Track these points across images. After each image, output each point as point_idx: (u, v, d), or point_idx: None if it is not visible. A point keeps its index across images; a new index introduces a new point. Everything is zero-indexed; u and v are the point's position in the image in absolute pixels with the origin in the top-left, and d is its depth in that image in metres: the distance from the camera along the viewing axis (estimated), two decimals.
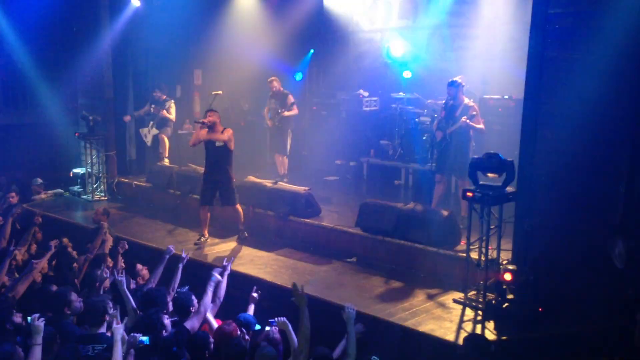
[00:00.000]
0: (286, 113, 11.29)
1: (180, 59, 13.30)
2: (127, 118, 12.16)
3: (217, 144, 8.84)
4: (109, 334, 5.14)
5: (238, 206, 9.10)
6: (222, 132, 8.86)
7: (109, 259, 7.07)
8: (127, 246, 7.30)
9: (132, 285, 6.60)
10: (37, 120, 13.77)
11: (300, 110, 12.12)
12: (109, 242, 7.81)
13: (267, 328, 5.46)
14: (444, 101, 9.07)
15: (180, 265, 6.67)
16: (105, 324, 5.41)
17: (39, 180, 12.16)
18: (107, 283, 6.41)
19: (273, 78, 11.58)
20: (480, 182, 6.92)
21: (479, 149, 8.86)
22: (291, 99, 11.45)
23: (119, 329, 4.71)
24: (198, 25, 12.79)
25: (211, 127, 8.84)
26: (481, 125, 8.69)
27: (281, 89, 11.50)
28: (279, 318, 5.33)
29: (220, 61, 13.05)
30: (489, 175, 6.97)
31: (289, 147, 11.52)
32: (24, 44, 13.17)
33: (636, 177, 6.18)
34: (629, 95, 6.12)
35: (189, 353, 5.02)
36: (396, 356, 6.15)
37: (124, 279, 5.94)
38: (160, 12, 12.51)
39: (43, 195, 12.05)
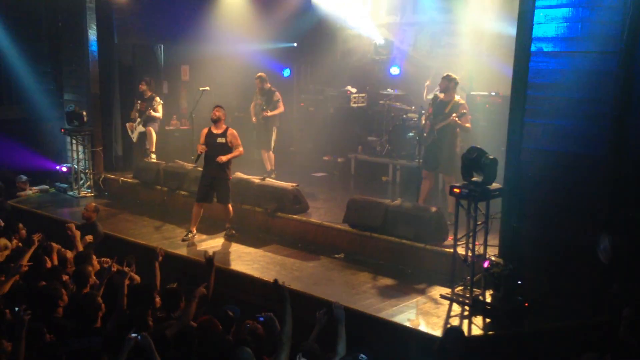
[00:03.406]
0: (269, 113, 11.26)
1: (168, 55, 13.23)
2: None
3: (219, 140, 8.81)
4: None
5: (229, 205, 9.08)
6: (225, 131, 8.85)
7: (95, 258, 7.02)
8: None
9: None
10: (22, 115, 13.64)
11: (287, 106, 12.10)
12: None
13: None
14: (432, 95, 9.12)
15: (156, 263, 6.66)
16: (99, 319, 5.40)
17: (24, 177, 12.05)
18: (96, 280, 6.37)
19: (260, 74, 11.56)
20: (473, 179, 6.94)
21: (466, 146, 8.89)
22: (277, 96, 11.44)
23: (130, 340, 4.66)
24: (185, 21, 12.73)
25: (216, 122, 8.83)
26: (468, 125, 8.72)
27: (268, 85, 11.50)
28: (266, 313, 5.33)
29: (208, 57, 13.00)
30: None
31: (273, 143, 11.51)
32: (9, 38, 13.03)
33: (621, 175, 6.23)
34: (614, 92, 6.17)
35: (172, 349, 5.01)
36: (384, 352, 6.17)
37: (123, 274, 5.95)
38: (147, 7, 12.44)
39: (29, 192, 11.95)
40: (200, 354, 4.93)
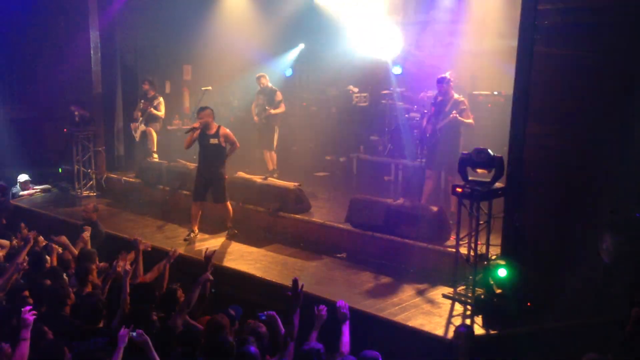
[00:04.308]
0: (272, 111, 11.32)
1: (170, 54, 13.24)
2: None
3: (212, 140, 8.79)
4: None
5: (228, 204, 9.08)
6: (217, 128, 8.80)
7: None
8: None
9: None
10: (24, 115, 13.66)
11: (289, 105, 12.10)
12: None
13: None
14: (433, 95, 9.13)
15: (167, 264, 6.67)
16: (102, 321, 5.41)
17: (26, 177, 12.06)
18: (95, 279, 6.39)
19: (261, 74, 11.58)
20: (470, 178, 6.95)
21: (469, 145, 8.89)
22: (279, 96, 11.46)
23: (124, 337, 4.67)
24: (187, 20, 12.73)
25: (204, 128, 8.77)
26: (470, 120, 8.73)
27: (269, 85, 11.51)
28: (268, 312, 5.34)
29: (210, 56, 13.01)
30: (478, 171, 7.01)
31: (275, 142, 11.53)
32: (12, 38, 13.05)
33: (624, 174, 6.23)
34: (616, 92, 6.16)
35: (180, 347, 5.02)
36: (386, 351, 6.16)
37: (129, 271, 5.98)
38: (149, 7, 12.44)
39: (31, 191, 11.96)
40: (205, 352, 4.94)
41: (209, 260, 6.39)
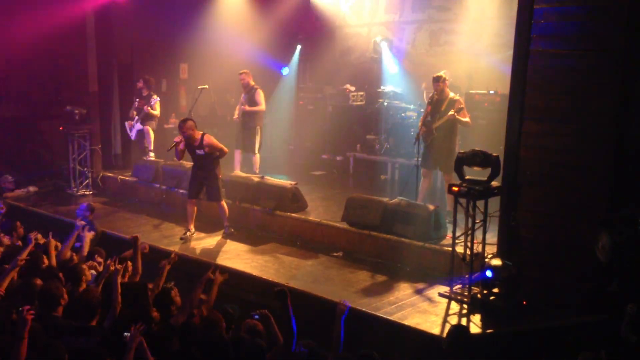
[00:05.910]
0: (247, 108, 10.83)
1: (166, 53, 13.21)
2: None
3: (198, 152, 8.80)
4: None
5: (223, 202, 9.07)
6: (201, 139, 8.74)
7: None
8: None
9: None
10: (20, 114, 13.61)
11: (286, 104, 12.01)
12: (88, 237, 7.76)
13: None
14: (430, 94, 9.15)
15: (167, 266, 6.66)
16: (97, 317, 5.40)
17: (9, 177, 11.96)
18: (89, 277, 6.37)
19: (244, 71, 11.04)
20: (466, 177, 6.96)
21: (465, 144, 8.93)
22: (259, 94, 10.91)
23: (133, 339, 4.66)
24: (184, 19, 12.71)
25: (188, 140, 8.75)
26: (467, 119, 8.75)
27: (251, 83, 10.99)
28: (261, 311, 5.35)
29: (207, 55, 12.98)
30: (475, 168, 7.01)
31: (258, 144, 11.05)
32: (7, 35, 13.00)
33: (620, 173, 6.23)
34: (613, 91, 6.17)
35: (178, 342, 5.03)
36: (382, 350, 6.17)
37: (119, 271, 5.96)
38: (146, 5, 12.42)
39: (17, 192, 11.85)
40: (201, 348, 4.93)
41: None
